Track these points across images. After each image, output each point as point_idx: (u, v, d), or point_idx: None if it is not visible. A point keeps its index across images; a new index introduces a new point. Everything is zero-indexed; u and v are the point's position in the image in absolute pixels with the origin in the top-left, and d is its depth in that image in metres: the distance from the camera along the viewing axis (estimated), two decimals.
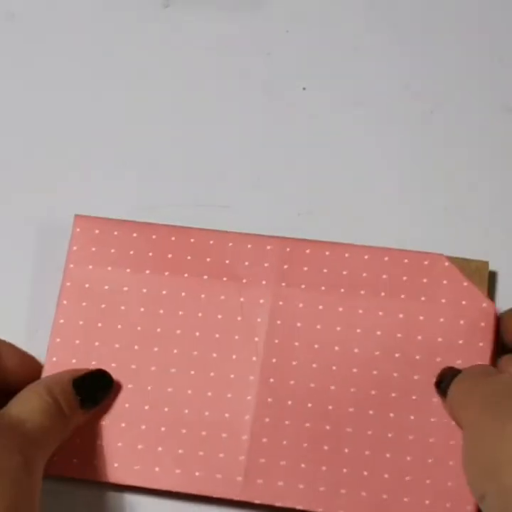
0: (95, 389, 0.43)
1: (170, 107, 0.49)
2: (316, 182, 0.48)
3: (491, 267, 0.45)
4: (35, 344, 0.46)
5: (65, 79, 0.51)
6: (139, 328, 0.45)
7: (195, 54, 0.49)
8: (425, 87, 0.48)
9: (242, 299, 0.45)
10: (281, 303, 0.45)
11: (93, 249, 0.47)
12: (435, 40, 0.48)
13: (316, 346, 0.44)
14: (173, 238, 0.46)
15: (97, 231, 0.47)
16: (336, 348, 0.44)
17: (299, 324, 0.44)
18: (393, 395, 0.43)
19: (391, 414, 0.42)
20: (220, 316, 0.45)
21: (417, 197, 0.48)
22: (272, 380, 0.44)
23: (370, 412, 0.43)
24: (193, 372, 0.44)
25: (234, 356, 0.44)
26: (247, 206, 0.48)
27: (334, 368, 0.43)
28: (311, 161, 0.48)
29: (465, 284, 0.44)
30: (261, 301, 0.45)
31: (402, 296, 0.44)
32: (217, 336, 0.45)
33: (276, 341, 0.44)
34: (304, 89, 0.48)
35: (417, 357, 0.43)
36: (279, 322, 0.44)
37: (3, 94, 0.51)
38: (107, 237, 0.47)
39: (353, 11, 0.49)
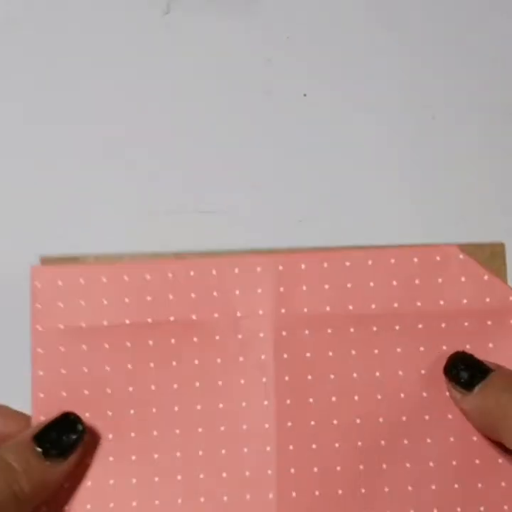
0: (60, 436, 0.38)
1: (170, 113, 0.49)
2: (317, 188, 0.47)
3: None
4: None
5: (64, 85, 0.50)
6: (130, 388, 0.40)
7: (195, 60, 0.49)
8: (426, 93, 0.47)
9: (239, 336, 0.40)
10: (284, 333, 0.39)
11: (60, 304, 0.41)
12: (436, 45, 0.48)
13: (331, 376, 0.39)
14: (148, 277, 0.41)
15: (60, 283, 0.41)
16: (354, 375, 0.39)
17: (308, 354, 0.39)
18: (427, 417, 0.38)
19: (428, 440, 0.38)
20: (219, 360, 0.40)
21: (418, 201, 0.45)
22: (290, 423, 0.39)
23: (405, 441, 0.38)
24: (200, 429, 0.39)
25: (243, 404, 0.39)
26: (248, 212, 0.46)
27: (356, 397, 0.39)
28: (311, 167, 0.47)
29: (486, 278, 0.39)
30: (261, 334, 0.40)
31: (418, 304, 0.39)
32: (220, 383, 0.39)
33: (287, 379, 0.39)
34: (305, 95, 0.47)
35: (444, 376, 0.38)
36: (285, 356, 0.39)
37: (3, 94, 0.51)
38: (73, 288, 0.41)
39: (353, 16, 0.48)
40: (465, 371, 0.37)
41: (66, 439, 0.38)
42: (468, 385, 0.36)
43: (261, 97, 0.48)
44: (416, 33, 0.48)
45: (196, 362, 0.40)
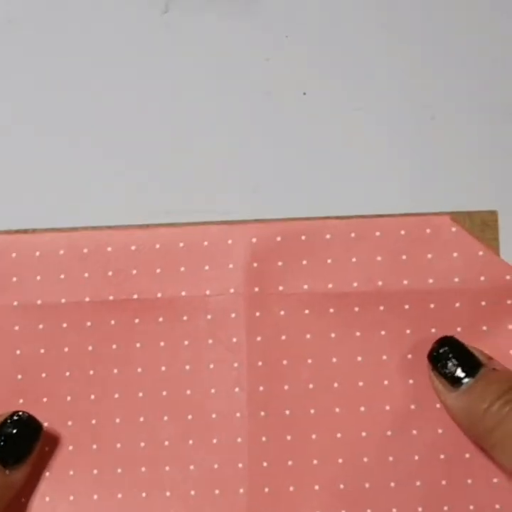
0: (14, 442, 0.34)
1: (169, 112, 0.47)
2: (317, 188, 0.44)
3: None
4: None
5: (63, 84, 0.48)
6: (91, 372, 0.36)
7: (194, 59, 0.48)
8: (426, 92, 0.45)
9: (209, 317, 0.36)
10: (258, 314, 0.36)
11: (14, 279, 0.37)
12: (436, 44, 0.46)
13: (309, 361, 0.35)
14: (109, 249, 0.37)
15: (13, 255, 0.37)
16: (334, 359, 0.35)
17: (283, 337, 0.36)
18: (412, 407, 0.35)
19: (414, 431, 0.35)
20: (186, 342, 0.36)
21: (418, 200, 0.42)
22: (262, 413, 0.35)
23: (388, 433, 0.35)
24: (166, 418, 0.36)
25: (213, 390, 0.36)
26: (247, 212, 0.43)
27: (336, 385, 0.35)
28: (311, 166, 0.44)
29: (481, 253, 0.35)
30: (232, 315, 0.36)
31: (405, 282, 0.35)
32: (187, 367, 0.36)
33: (260, 364, 0.35)
34: (305, 94, 0.46)
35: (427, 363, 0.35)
36: (259, 338, 0.36)
37: (3, 95, 0.49)
38: (28, 260, 0.37)
39: (352, 16, 0.47)
40: (452, 363, 0.33)
41: (23, 444, 0.34)
42: (454, 381, 0.33)
43: (260, 96, 0.47)
44: (416, 33, 0.47)
45: (162, 344, 0.36)
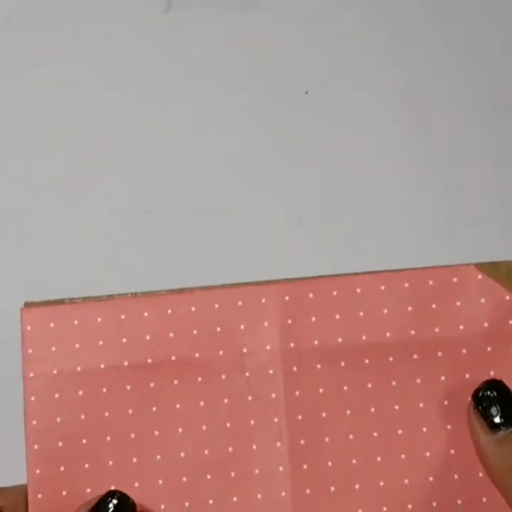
0: None
1: (170, 111, 0.48)
2: (318, 186, 0.46)
3: None
4: None
5: (64, 83, 0.50)
6: (132, 435, 0.37)
7: (196, 58, 0.49)
8: (426, 91, 0.46)
9: (247, 374, 0.37)
10: (294, 369, 0.37)
11: (53, 348, 0.38)
12: (436, 42, 0.47)
13: (348, 413, 0.36)
14: (145, 314, 0.38)
15: (52, 325, 0.38)
16: (372, 409, 0.36)
17: (321, 390, 0.36)
18: (452, 452, 0.36)
19: (455, 476, 0.35)
20: (226, 400, 0.37)
21: (418, 200, 0.44)
22: (305, 466, 0.36)
23: (430, 478, 0.35)
24: (209, 476, 0.36)
25: (254, 446, 0.36)
26: (247, 211, 0.46)
27: (375, 434, 0.36)
28: (312, 165, 0.46)
29: (507, 298, 0.36)
30: (270, 371, 0.37)
31: (436, 330, 0.36)
32: (228, 425, 0.37)
33: (300, 418, 0.36)
34: (307, 93, 0.47)
35: (469, 399, 0.36)
36: (297, 393, 0.36)
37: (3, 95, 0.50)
38: (67, 329, 0.38)
39: (354, 14, 0.48)
40: (495, 408, 0.34)
41: None
42: (493, 425, 0.33)
43: (262, 94, 0.47)
44: (416, 32, 0.47)
45: (201, 403, 0.37)
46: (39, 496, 0.36)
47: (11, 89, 0.50)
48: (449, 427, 0.36)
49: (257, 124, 0.47)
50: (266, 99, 0.47)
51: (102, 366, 0.37)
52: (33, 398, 0.37)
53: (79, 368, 0.37)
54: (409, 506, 0.35)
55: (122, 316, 0.38)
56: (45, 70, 0.50)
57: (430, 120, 0.45)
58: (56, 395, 0.37)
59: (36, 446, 0.37)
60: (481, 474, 0.35)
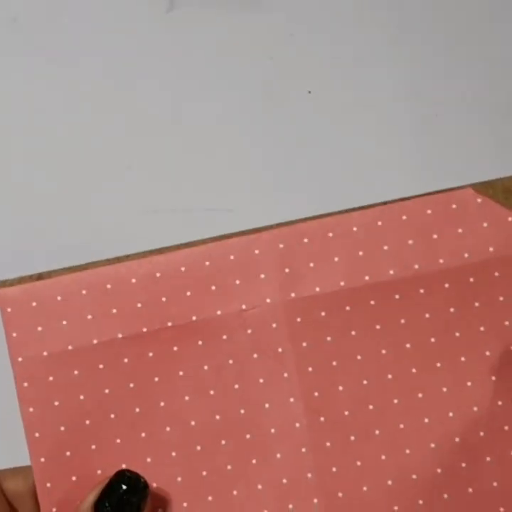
0: (123, 500, 0.33)
1: (172, 110, 0.48)
2: (321, 185, 0.45)
3: None
4: None
5: (67, 83, 0.49)
6: (136, 409, 0.35)
7: (197, 59, 0.48)
8: (429, 91, 0.45)
9: (249, 331, 0.35)
10: (298, 319, 0.35)
11: (39, 329, 0.36)
12: (438, 42, 0.46)
13: (358, 358, 0.35)
14: (133, 280, 0.36)
15: (34, 303, 0.36)
16: (383, 351, 0.35)
17: (329, 338, 0.35)
18: (469, 383, 0.34)
19: (475, 408, 0.34)
20: (230, 361, 0.35)
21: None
22: (322, 418, 0.34)
23: (450, 414, 0.34)
24: (223, 442, 0.35)
25: (266, 405, 0.35)
26: (248, 212, 0.45)
27: (390, 376, 0.35)
28: (315, 164, 0.45)
29: (510, 219, 0.34)
30: (273, 325, 0.35)
31: (441, 261, 0.35)
32: (236, 386, 0.35)
33: (310, 369, 0.35)
34: (310, 92, 0.46)
35: (481, 328, 0.34)
36: (304, 344, 0.35)
37: (4, 95, 0.50)
38: (50, 306, 0.36)
39: (356, 14, 0.47)
40: None
41: (129, 506, 0.33)
42: None
43: (264, 94, 0.47)
44: (417, 32, 0.47)
45: (205, 368, 0.35)
46: (48, 485, 0.35)
47: (15, 87, 0.49)
48: (462, 358, 0.34)
49: (259, 122, 0.46)
50: (268, 98, 0.47)
51: (95, 342, 0.35)
52: (25, 384, 0.35)
53: (70, 347, 0.35)
54: (432, 445, 0.34)
55: (108, 286, 0.36)
56: (49, 69, 0.49)
57: (434, 119, 0.44)
58: (50, 378, 0.35)
59: (37, 434, 0.35)
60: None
